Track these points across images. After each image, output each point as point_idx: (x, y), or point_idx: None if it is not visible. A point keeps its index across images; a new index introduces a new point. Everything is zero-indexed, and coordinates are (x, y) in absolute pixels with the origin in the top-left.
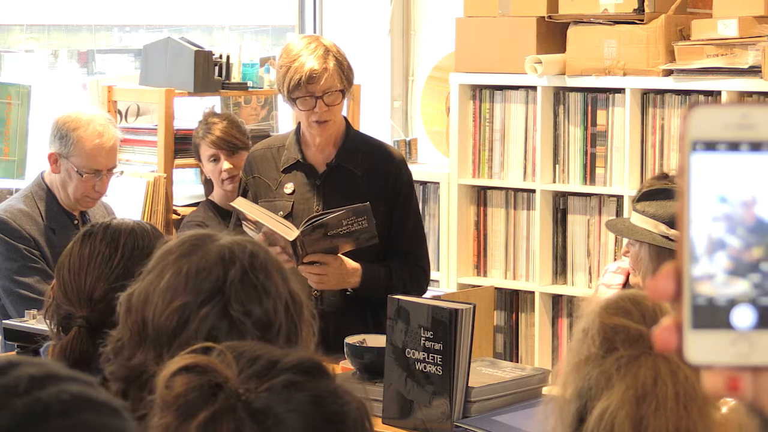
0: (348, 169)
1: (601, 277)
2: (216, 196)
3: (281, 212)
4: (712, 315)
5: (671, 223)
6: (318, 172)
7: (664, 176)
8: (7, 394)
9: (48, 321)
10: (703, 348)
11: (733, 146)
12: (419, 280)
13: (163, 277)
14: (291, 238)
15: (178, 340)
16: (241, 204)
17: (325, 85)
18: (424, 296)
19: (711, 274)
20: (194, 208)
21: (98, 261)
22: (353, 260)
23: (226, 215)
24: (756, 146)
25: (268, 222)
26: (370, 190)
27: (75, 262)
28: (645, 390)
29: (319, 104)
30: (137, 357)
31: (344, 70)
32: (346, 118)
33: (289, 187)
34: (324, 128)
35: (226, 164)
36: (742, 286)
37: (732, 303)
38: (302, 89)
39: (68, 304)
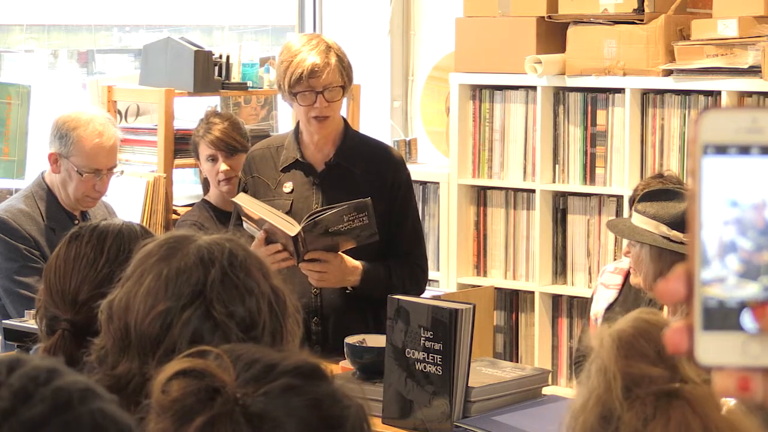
0: (347, 168)
1: (599, 277)
2: (212, 196)
3: (280, 210)
4: (723, 317)
5: (672, 224)
6: (317, 170)
7: (659, 176)
8: (32, 384)
9: (38, 322)
10: (713, 349)
11: (744, 150)
12: (418, 279)
13: (142, 282)
14: (292, 234)
15: (162, 345)
16: (241, 199)
17: (327, 80)
18: (424, 296)
19: (722, 276)
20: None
21: (83, 264)
22: (353, 259)
23: (221, 215)
24: (766, 150)
25: (269, 217)
26: (369, 189)
27: (60, 264)
28: None
29: (320, 99)
30: (122, 365)
31: (345, 67)
32: (344, 119)
33: (287, 186)
34: (323, 125)
35: (223, 165)
36: (753, 289)
37: (743, 305)
38: (303, 84)
39: (54, 307)
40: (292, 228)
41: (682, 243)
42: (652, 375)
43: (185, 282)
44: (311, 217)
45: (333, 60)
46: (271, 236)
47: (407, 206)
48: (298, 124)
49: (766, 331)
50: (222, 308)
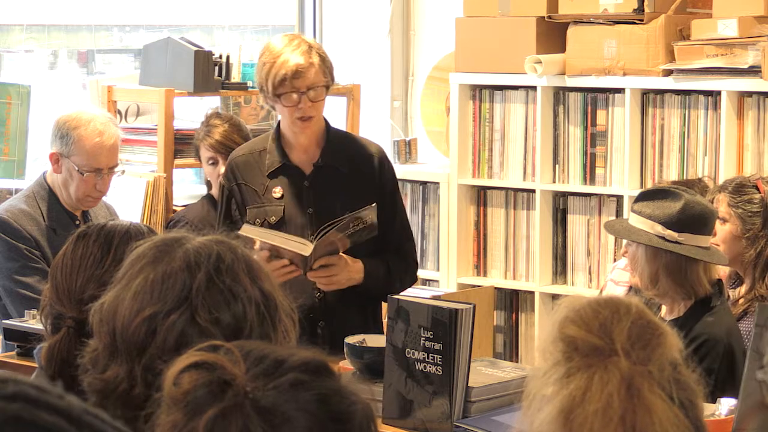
0: (335, 168)
1: (610, 273)
2: (215, 194)
3: (273, 217)
4: None
5: (668, 223)
6: (305, 173)
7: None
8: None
9: (43, 321)
10: None
11: None
12: (412, 272)
13: (130, 286)
14: (308, 254)
15: (148, 351)
16: (248, 231)
17: (311, 80)
18: (424, 296)
19: None
20: None
21: (90, 263)
22: (351, 257)
23: None
24: None
25: (282, 244)
26: (357, 187)
27: (67, 262)
28: (572, 406)
29: (304, 100)
30: (111, 370)
31: (328, 67)
32: (326, 118)
33: (277, 192)
34: (307, 125)
35: (223, 168)
36: None
37: None
38: (288, 85)
39: (59, 305)
40: (306, 249)
41: (677, 243)
42: (591, 342)
43: (171, 287)
44: (321, 235)
45: (316, 60)
46: (273, 252)
47: (394, 202)
48: (278, 126)
49: None
50: (206, 314)
